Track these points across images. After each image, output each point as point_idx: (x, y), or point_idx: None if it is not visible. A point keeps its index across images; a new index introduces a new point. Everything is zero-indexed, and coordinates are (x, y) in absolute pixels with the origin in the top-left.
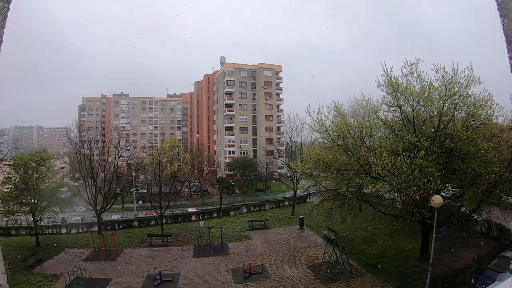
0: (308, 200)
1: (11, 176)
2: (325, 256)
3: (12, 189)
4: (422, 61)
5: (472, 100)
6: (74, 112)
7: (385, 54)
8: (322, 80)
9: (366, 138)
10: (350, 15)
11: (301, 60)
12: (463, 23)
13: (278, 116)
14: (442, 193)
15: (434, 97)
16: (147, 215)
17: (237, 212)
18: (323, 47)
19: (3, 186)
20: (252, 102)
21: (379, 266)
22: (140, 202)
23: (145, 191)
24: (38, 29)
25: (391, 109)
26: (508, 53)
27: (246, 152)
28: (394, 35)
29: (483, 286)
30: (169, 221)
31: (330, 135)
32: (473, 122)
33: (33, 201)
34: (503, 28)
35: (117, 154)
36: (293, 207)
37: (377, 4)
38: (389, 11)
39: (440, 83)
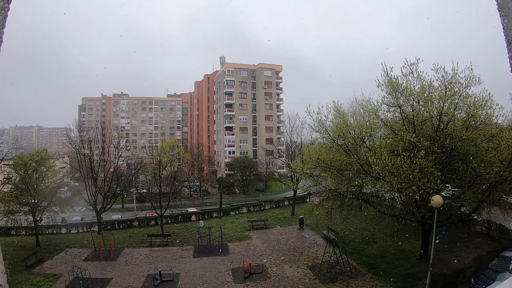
0: (308, 200)
1: (11, 176)
2: (325, 256)
3: (12, 189)
4: (422, 61)
5: (472, 100)
6: (74, 112)
7: None
8: None
9: (366, 138)
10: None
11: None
12: (463, 22)
13: (278, 116)
14: (442, 193)
15: (434, 97)
16: (147, 215)
17: (237, 212)
18: None
19: (3, 186)
20: (252, 102)
21: (380, 264)
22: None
23: (145, 191)
24: (38, 29)
25: (391, 109)
26: (508, 53)
27: (246, 152)
28: None
29: (483, 286)
30: (169, 221)
31: (330, 135)
32: (473, 122)
33: (33, 201)
34: (503, 28)
35: (117, 154)
36: (293, 207)
37: None
38: None
39: (440, 83)
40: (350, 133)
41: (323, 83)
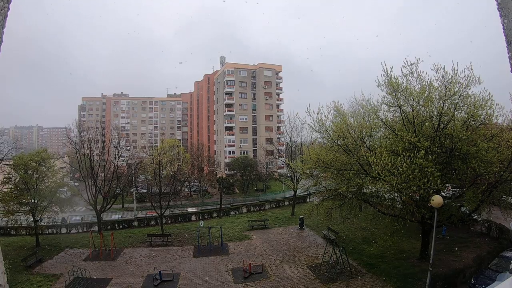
0: (308, 200)
1: (11, 176)
2: (325, 256)
3: (12, 189)
4: (422, 61)
5: (472, 100)
6: (74, 112)
7: None
8: None
9: (366, 138)
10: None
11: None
12: (463, 22)
13: (278, 116)
14: (442, 193)
15: (434, 97)
16: (147, 215)
17: (237, 212)
18: None
19: (3, 186)
20: (252, 102)
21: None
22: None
23: (145, 191)
24: (38, 29)
25: (391, 109)
26: (508, 53)
27: (246, 152)
28: None
29: (483, 286)
30: (169, 221)
31: (330, 135)
32: (473, 122)
33: (33, 201)
34: (503, 28)
35: (117, 154)
36: (293, 207)
37: None
38: None
39: (440, 83)
40: (350, 133)
41: (323, 83)
